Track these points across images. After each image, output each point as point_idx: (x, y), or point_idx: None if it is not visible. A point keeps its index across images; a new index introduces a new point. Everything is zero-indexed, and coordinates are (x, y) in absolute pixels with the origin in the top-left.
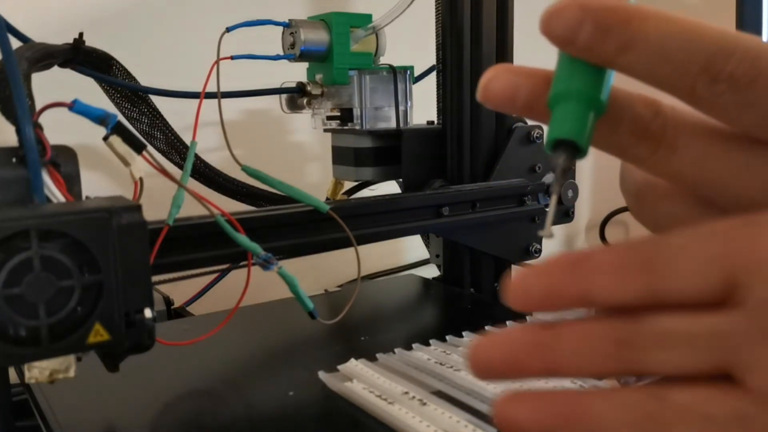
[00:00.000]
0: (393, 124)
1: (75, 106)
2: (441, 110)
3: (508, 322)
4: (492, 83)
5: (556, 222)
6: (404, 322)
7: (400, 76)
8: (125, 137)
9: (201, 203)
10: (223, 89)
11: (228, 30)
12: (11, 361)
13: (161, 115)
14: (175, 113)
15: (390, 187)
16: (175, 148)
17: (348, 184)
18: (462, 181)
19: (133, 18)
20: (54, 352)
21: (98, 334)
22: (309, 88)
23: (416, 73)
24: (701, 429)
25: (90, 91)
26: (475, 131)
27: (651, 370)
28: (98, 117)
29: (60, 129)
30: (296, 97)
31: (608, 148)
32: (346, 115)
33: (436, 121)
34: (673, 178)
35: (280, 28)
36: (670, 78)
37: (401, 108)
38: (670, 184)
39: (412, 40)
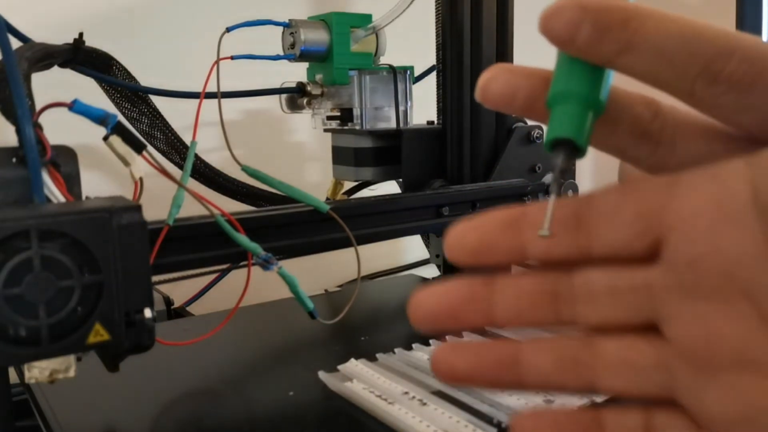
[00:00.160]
0: (393, 124)
1: (75, 106)
2: (441, 110)
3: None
4: (491, 83)
5: None
6: (404, 322)
7: (400, 76)
8: (125, 137)
9: (201, 203)
10: (223, 89)
11: (228, 30)
12: (11, 361)
13: (161, 115)
14: (175, 113)
15: (390, 187)
16: (175, 148)
17: (348, 184)
18: (462, 181)
19: (134, 18)
20: (54, 352)
21: (98, 334)
22: (309, 88)
23: (416, 73)
24: (625, 375)
25: (90, 91)
26: (475, 131)
27: (581, 320)
28: (98, 117)
29: (60, 129)
30: (296, 97)
31: (607, 148)
32: (346, 115)
33: (436, 121)
34: None
35: (280, 28)
36: (670, 78)
37: (401, 108)
38: None
39: (412, 40)
